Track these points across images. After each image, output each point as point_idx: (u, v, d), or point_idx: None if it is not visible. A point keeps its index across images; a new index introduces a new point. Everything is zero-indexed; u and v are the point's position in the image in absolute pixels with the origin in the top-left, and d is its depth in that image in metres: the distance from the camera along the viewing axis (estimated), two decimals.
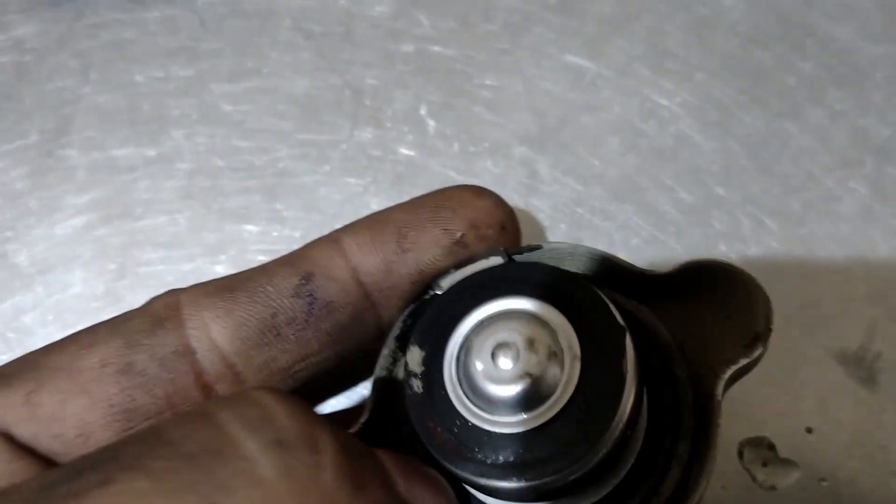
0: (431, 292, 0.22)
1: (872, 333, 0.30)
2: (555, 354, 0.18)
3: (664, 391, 0.22)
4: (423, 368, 0.19)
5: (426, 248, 0.22)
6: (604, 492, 0.20)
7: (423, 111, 0.34)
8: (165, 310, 0.22)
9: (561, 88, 0.34)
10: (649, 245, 0.32)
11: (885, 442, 0.29)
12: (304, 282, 0.22)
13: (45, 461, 0.21)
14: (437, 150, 0.34)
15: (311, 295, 0.22)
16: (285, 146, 0.34)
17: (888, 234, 0.32)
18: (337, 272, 0.23)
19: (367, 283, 0.23)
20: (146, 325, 0.22)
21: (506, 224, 0.23)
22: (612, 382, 0.18)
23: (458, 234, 0.22)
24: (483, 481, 0.18)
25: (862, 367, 0.30)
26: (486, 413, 0.18)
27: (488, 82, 0.35)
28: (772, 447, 0.29)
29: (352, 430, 0.21)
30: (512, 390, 0.18)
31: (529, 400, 0.18)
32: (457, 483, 0.20)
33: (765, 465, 0.29)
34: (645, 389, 0.21)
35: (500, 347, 0.18)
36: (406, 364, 0.20)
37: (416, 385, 0.19)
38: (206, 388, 0.22)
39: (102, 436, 0.21)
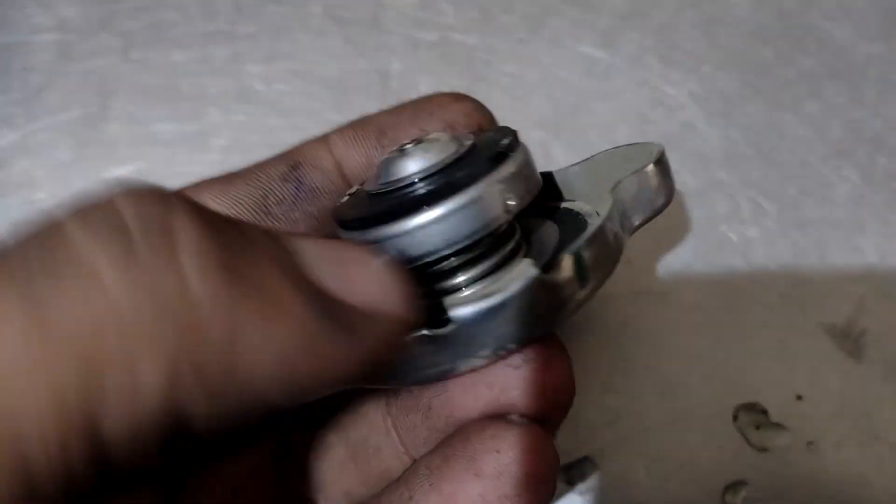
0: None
1: (860, 310, 0.33)
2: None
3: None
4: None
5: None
6: None
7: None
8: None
9: (575, 77, 0.36)
10: (655, 225, 0.34)
11: (869, 409, 0.32)
12: (291, 169, 0.24)
13: None
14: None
15: (298, 180, 0.24)
16: (316, 125, 0.36)
17: (877, 218, 0.34)
18: (322, 163, 0.25)
19: (350, 174, 0.25)
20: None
21: (484, 126, 0.24)
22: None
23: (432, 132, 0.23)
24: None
25: (849, 340, 0.32)
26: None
27: (507, 70, 0.37)
28: (764, 412, 0.32)
29: None
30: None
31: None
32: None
33: (757, 428, 0.31)
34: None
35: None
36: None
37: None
38: None
39: None
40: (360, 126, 0.25)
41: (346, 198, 0.23)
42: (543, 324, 0.20)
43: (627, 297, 0.33)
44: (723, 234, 0.34)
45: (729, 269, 0.34)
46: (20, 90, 0.37)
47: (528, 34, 0.37)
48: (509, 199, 0.20)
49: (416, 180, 0.21)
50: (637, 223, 0.24)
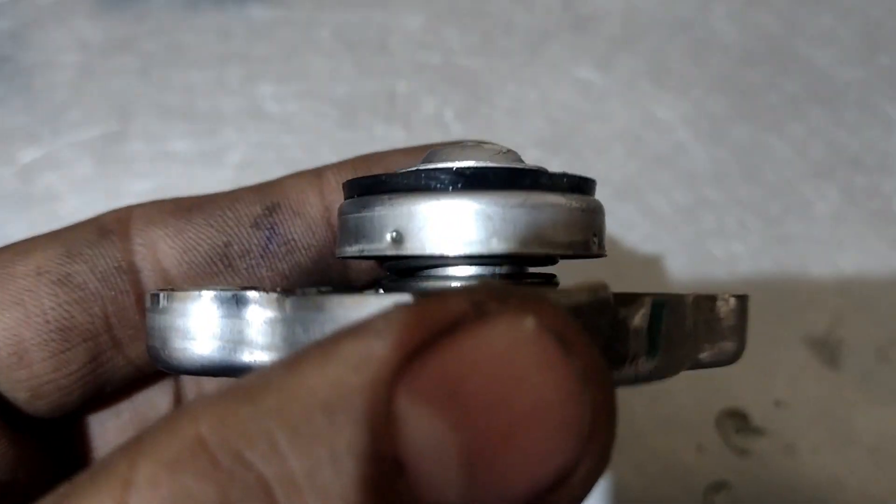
0: None
1: (837, 321, 0.35)
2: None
3: None
4: None
5: None
6: None
7: (448, 115, 0.39)
8: (114, 222, 0.20)
9: (572, 99, 0.38)
10: (647, 240, 0.37)
11: (845, 415, 0.34)
12: (267, 212, 0.20)
13: None
14: None
15: (271, 228, 0.20)
16: (326, 143, 0.38)
17: (855, 235, 0.36)
18: (306, 208, 0.20)
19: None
20: (90, 236, 0.20)
21: None
22: None
23: None
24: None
25: (827, 349, 0.35)
26: None
27: (507, 91, 0.39)
28: (745, 417, 0.34)
29: None
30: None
31: None
32: None
33: (738, 431, 0.34)
34: None
35: None
36: None
37: None
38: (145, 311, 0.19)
39: (38, 355, 0.19)
40: (364, 165, 0.21)
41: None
42: None
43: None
44: (709, 249, 0.36)
45: (714, 282, 0.36)
46: (44, 108, 0.39)
47: (528, 58, 0.39)
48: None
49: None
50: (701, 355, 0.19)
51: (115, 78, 0.40)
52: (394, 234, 0.16)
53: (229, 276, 0.20)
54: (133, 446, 0.11)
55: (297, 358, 0.12)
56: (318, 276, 0.20)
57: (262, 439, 0.11)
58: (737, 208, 0.37)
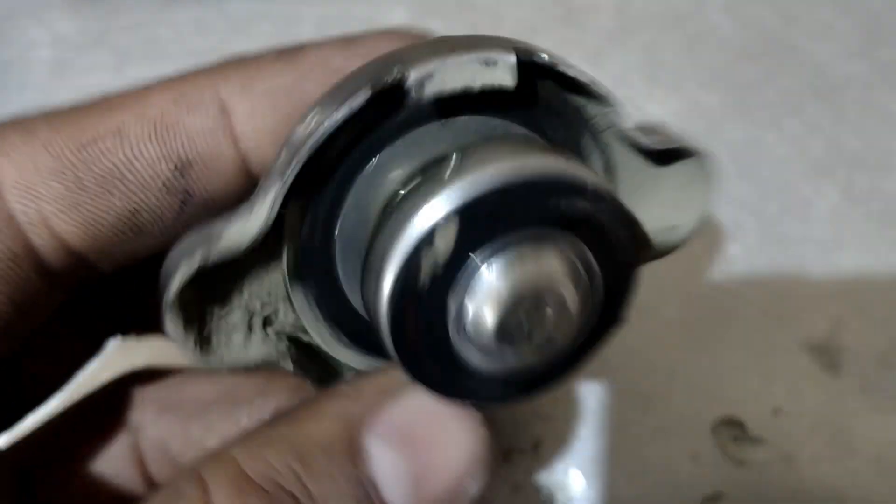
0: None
1: (838, 325, 0.34)
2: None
3: None
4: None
5: None
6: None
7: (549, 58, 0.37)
8: None
9: None
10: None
11: (845, 424, 0.32)
12: (178, 174, 0.17)
13: None
14: None
15: (185, 192, 0.18)
16: None
17: (856, 236, 0.35)
18: (221, 162, 0.18)
19: (260, 166, 0.18)
20: None
21: None
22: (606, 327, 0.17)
23: None
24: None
25: (827, 355, 0.33)
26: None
27: None
28: (742, 425, 0.32)
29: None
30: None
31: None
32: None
33: (736, 441, 0.32)
34: None
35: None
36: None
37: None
38: (47, 275, 0.18)
39: None
40: (287, 63, 0.18)
41: None
42: None
43: None
44: (704, 250, 0.35)
45: (710, 285, 0.34)
46: (17, 106, 0.38)
47: None
48: None
49: None
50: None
51: (89, 74, 0.38)
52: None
53: (140, 239, 0.18)
54: (197, 476, 0.16)
55: (295, 415, 0.17)
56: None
57: (288, 472, 0.16)
58: (733, 207, 0.35)
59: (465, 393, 0.16)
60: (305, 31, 0.38)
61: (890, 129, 0.36)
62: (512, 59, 0.16)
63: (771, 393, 0.33)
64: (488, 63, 0.15)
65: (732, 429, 0.32)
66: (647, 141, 0.18)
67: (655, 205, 0.19)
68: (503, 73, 0.15)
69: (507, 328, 0.15)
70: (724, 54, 0.37)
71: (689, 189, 0.19)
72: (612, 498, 0.32)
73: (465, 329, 0.15)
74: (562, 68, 0.16)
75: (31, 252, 0.18)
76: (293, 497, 0.16)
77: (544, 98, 0.18)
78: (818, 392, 0.33)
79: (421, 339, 0.15)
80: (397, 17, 0.38)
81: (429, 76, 0.15)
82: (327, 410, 0.17)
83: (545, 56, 0.16)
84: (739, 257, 0.35)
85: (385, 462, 0.16)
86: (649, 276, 0.34)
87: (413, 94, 0.15)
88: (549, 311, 0.15)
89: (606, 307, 0.17)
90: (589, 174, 0.16)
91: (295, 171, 0.15)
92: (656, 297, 0.34)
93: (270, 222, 0.15)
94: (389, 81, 0.15)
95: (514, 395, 0.17)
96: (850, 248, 0.35)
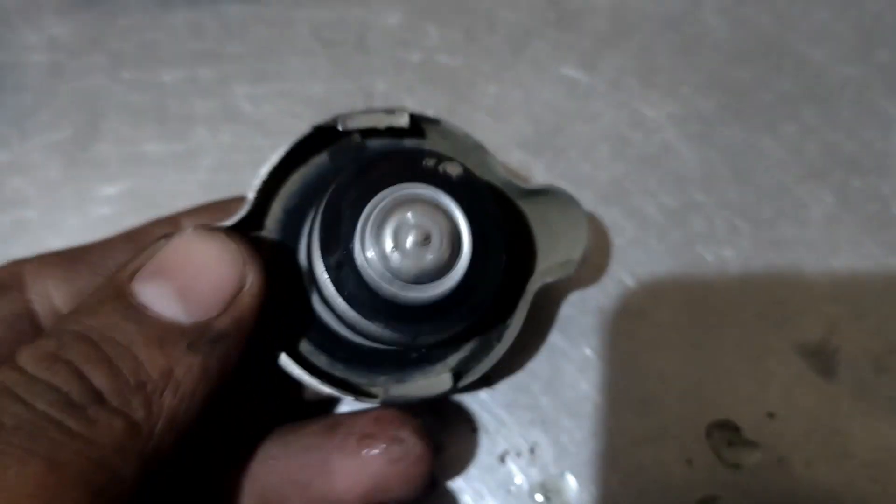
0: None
1: (833, 330, 0.34)
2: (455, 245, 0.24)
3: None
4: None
5: None
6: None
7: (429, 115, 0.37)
8: (9, 277, 0.26)
9: (557, 98, 0.37)
10: (633, 245, 0.35)
11: (840, 427, 0.32)
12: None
13: None
14: None
15: None
16: None
17: (851, 240, 0.35)
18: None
19: None
20: None
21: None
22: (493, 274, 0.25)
23: None
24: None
25: (822, 359, 0.33)
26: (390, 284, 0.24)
27: (490, 91, 0.37)
28: (737, 429, 0.32)
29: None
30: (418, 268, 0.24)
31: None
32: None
33: (730, 444, 0.32)
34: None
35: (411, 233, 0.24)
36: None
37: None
38: None
39: None
40: (218, 210, 0.31)
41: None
42: None
43: (604, 315, 0.34)
44: (699, 254, 0.35)
45: (704, 289, 0.34)
46: (12, 110, 0.38)
47: (511, 56, 0.38)
48: None
49: None
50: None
51: (84, 78, 0.38)
52: None
53: None
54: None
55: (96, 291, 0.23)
56: None
57: (71, 321, 0.22)
58: (727, 211, 0.35)
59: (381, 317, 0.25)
60: (301, 34, 0.38)
61: (886, 131, 0.36)
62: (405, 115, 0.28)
63: (765, 396, 0.33)
64: (390, 112, 0.28)
65: (727, 432, 0.32)
66: (503, 172, 0.28)
67: (553, 245, 0.29)
68: (399, 118, 0.28)
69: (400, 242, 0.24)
70: (719, 57, 0.37)
71: (573, 231, 0.28)
72: (606, 501, 0.32)
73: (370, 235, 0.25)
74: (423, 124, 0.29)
75: (31, 314, 0.26)
76: (73, 332, 0.21)
77: (434, 132, 0.29)
78: (812, 396, 0.33)
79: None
80: (393, 20, 0.38)
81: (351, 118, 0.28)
82: (112, 279, 0.22)
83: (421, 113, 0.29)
84: (734, 261, 0.35)
85: (150, 290, 0.22)
86: (646, 279, 0.34)
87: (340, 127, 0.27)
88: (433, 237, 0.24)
89: (478, 245, 0.25)
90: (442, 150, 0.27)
91: (263, 179, 0.28)
92: (651, 301, 0.34)
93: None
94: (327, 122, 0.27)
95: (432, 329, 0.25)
96: (845, 251, 0.35)
